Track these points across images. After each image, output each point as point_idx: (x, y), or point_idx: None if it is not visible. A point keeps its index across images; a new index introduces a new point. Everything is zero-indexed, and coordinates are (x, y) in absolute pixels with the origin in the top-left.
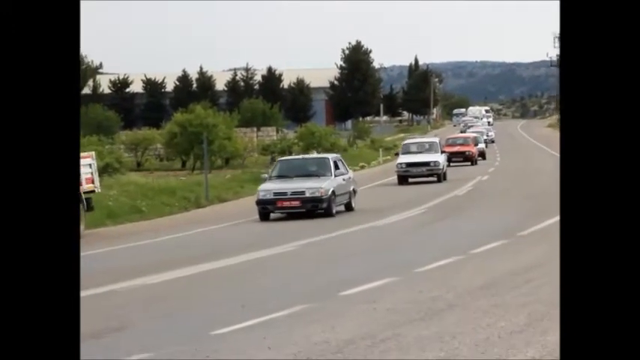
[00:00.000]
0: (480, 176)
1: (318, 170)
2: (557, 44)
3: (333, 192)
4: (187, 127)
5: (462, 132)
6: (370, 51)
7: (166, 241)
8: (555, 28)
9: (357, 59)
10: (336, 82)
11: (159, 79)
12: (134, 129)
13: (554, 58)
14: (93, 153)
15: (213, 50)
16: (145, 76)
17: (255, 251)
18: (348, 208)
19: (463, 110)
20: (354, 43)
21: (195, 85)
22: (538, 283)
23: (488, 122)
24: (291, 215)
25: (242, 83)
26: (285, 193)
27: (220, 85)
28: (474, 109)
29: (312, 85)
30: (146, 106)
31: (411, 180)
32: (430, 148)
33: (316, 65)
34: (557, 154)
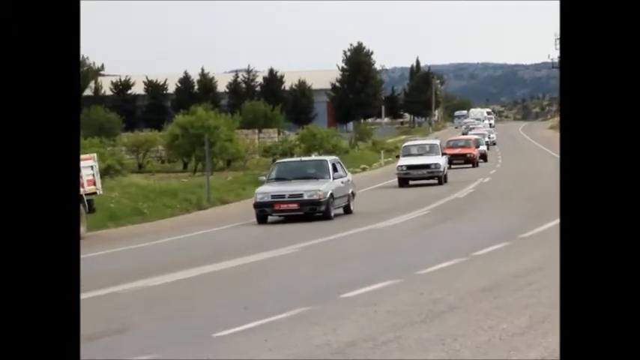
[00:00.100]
0: (482, 178)
1: (317, 173)
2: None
3: (332, 195)
4: (189, 129)
5: (463, 134)
6: (372, 52)
7: (168, 243)
8: (557, 29)
9: (358, 61)
10: (337, 84)
11: (160, 80)
12: (136, 131)
13: (556, 60)
14: (94, 155)
15: (214, 51)
16: (147, 77)
17: (256, 254)
18: (347, 211)
19: (465, 112)
20: (355, 44)
21: (196, 87)
22: (540, 286)
23: (490, 124)
24: (289, 218)
25: (243, 85)
26: (282, 196)
27: (222, 86)
28: (475, 111)
29: (314, 86)
30: (148, 107)
31: (411, 182)
32: (431, 150)
33: (318, 67)
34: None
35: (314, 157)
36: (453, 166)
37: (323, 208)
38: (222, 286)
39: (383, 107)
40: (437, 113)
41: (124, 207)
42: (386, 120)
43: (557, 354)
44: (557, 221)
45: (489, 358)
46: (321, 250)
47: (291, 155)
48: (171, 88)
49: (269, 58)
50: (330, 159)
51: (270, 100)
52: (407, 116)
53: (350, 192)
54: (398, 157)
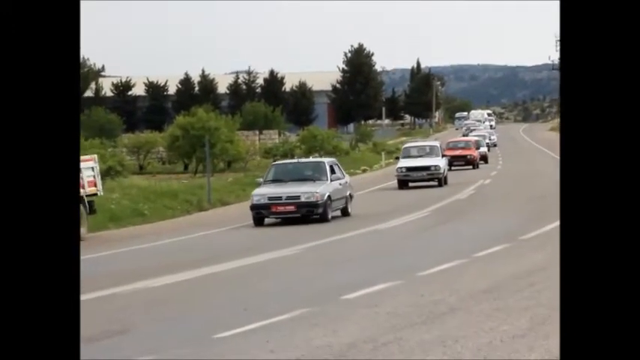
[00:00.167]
0: (482, 180)
1: (314, 174)
2: (559, 47)
3: (329, 197)
4: (189, 130)
5: (464, 135)
6: (372, 54)
7: (168, 244)
8: (557, 30)
9: (359, 62)
10: (338, 85)
11: (161, 82)
12: (136, 132)
13: (556, 62)
14: (95, 156)
15: (214, 52)
16: (147, 79)
17: (257, 255)
18: (344, 213)
19: (465, 114)
20: (356, 45)
21: (197, 88)
22: (540, 287)
23: (491, 126)
24: (286, 220)
25: (244, 86)
26: (279, 198)
27: (222, 88)
28: (476, 113)
29: (314, 88)
30: (148, 109)
31: (411, 184)
32: (431, 151)
33: (318, 68)
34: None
35: (311, 158)
36: (453, 168)
37: (320, 210)
38: (223, 288)
39: (383, 109)
40: (437, 115)
41: (124, 208)
42: (386, 121)
43: (557, 356)
44: (558, 223)
45: None
46: (321, 251)
47: (292, 157)
48: (171, 90)
49: (270, 59)
50: (327, 161)
51: (271, 101)
52: (407, 118)
53: (347, 194)
54: (397, 158)
